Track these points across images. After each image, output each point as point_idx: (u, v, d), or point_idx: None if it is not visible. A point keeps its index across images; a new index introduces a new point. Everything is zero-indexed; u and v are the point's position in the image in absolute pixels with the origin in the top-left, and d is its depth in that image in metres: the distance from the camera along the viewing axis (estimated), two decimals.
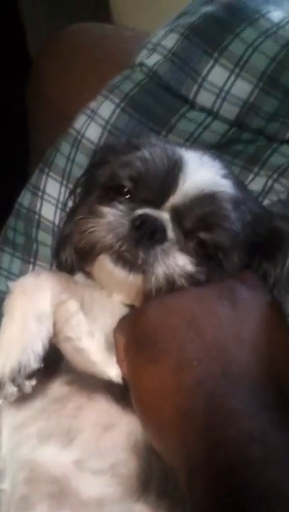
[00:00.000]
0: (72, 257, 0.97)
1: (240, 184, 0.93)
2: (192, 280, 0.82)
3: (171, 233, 0.82)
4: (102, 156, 1.01)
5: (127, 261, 0.80)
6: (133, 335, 0.76)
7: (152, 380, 0.70)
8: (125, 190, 0.87)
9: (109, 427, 0.81)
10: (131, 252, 0.80)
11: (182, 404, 0.65)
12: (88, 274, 0.90)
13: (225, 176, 0.87)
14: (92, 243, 0.82)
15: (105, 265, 0.82)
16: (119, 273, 0.81)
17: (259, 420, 0.61)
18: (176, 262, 0.81)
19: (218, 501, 0.57)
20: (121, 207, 0.83)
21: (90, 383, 0.83)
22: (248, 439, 0.59)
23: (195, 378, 0.66)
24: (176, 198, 0.84)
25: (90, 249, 0.83)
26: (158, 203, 0.84)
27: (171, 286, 0.80)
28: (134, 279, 0.81)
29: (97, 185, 0.94)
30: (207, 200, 0.83)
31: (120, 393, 0.81)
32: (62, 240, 1.01)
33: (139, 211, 0.82)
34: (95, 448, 0.80)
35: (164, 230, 0.82)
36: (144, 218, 0.81)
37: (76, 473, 0.79)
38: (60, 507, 0.77)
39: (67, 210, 1.11)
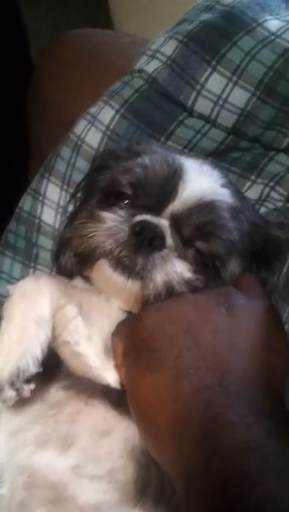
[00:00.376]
0: (72, 261, 0.97)
1: (238, 193, 0.93)
2: (190, 287, 0.82)
3: (169, 240, 0.83)
4: (102, 160, 1.02)
5: (125, 267, 0.81)
6: (131, 342, 0.77)
7: (150, 388, 0.70)
8: (125, 196, 0.88)
9: (107, 432, 0.82)
10: (130, 258, 0.80)
11: (179, 413, 0.65)
12: (87, 279, 0.90)
13: (224, 185, 0.88)
14: (91, 248, 0.83)
15: (104, 270, 0.83)
16: (118, 279, 0.82)
17: (255, 430, 0.61)
18: (175, 268, 0.81)
19: (215, 511, 0.58)
20: (121, 212, 0.84)
21: (88, 388, 0.84)
22: (245, 449, 0.59)
23: (192, 388, 0.66)
24: (175, 206, 0.84)
25: (89, 253, 0.84)
26: (157, 210, 0.85)
27: (169, 293, 0.81)
28: (132, 285, 0.81)
29: (97, 190, 0.95)
30: (206, 208, 0.84)
31: (118, 398, 0.81)
32: (62, 244, 1.01)
33: (139, 217, 0.83)
34: (92, 454, 0.81)
35: (163, 237, 0.82)
36: (143, 225, 0.81)
37: (73, 478, 0.79)
38: None
39: (68, 214, 1.12)
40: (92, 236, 0.83)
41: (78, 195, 1.07)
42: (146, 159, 0.88)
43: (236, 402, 0.64)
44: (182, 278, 0.82)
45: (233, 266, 0.88)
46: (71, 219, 1.04)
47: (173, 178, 0.85)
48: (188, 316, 0.75)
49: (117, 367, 0.80)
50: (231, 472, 0.57)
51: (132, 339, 0.77)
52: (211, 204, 0.85)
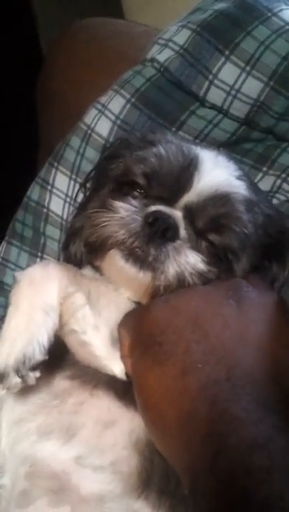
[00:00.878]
0: (82, 251, 0.97)
1: (253, 185, 0.92)
2: (203, 279, 0.81)
3: (183, 232, 0.82)
4: (114, 149, 1.01)
5: (138, 257, 0.80)
6: (138, 335, 0.75)
7: (157, 382, 0.69)
8: (138, 186, 0.87)
9: (111, 423, 0.81)
10: (142, 248, 0.79)
11: (186, 408, 0.64)
12: (97, 269, 0.90)
13: (239, 177, 0.87)
14: (103, 238, 0.82)
15: (116, 261, 0.82)
16: (130, 269, 0.81)
17: (263, 426, 0.59)
18: (188, 260, 0.80)
19: (221, 509, 0.56)
20: (134, 202, 0.83)
21: (92, 379, 0.83)
22: (252, 446, 0.58)
23: (199, 382, 0.65)
24: (190, 197, 0.83)
25: (101, 243, 0.83)
26: (171, 201, 0.84)
27: (180, 285, 0.80)
28: (144, 277, 0.80)
29: (109, 179, 0.94)
30: (221, 200, 0.83)
31: (123, 390, 0.81)
32: (72, 233, 1.01)
33: (153, 208, 0.82)
34: (96, 444, 0.80)
35: (176, 228, 0.81)
36: (157, 215, 0.80)
37: (76, 469, 0.79)
38: (59, 503, 0.77)
39: (77, 204, 1.10)
40: (104, 225, 0.82)
41: (88, 184, 1.06)
42: (161, 149, 0.87)
43: (244, 397, 0.63)
44: (195, 269, 0.81)
45: (246, 259, 0.86)
46: (81, 208, 1.03)
47: (188, 169, 0.84)
48: (196, 309, 0.74)
49: (124, 358, 0.79)
50: (238, 469, 0.56)
51: (139, 332, 0.76)
52: (227, 196, 0.84)
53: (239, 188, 0.85)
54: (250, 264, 0.87)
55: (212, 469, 0.58)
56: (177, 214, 0.83)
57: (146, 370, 0.71)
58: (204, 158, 0.86)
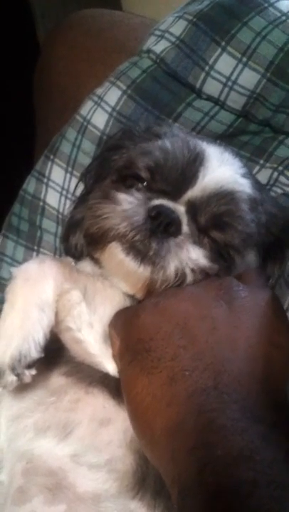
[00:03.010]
0: (82, 243, 0.96)
1: (258, 184, 0.92)
2: (203, 275, 0.81)
3: (185, 227, 0.82)
4: (117, 140, 1.00)
5: (138, 251, 0.80)
6: (127, 341, 0.75)
7: (145, 391, 0.68)
8: (142, 178, 0.86)
9: (106, 421, 0.81)
10: (144, 242, 0.79)
11: (173, 418, 0.64)
12: (96, 261, 0.89)
13: (244, 175, 0.87)
14: (104, 229, 0.82)
15: (116, 254, 0.82)
16: (130, 263, 0.80)
17: (249, 436, 0.59)
18: (190, 255, 0.80)
19: None
20: (138, 195, 0.83)
21: (87, 376, 0.83)
22: (237, 457, 0.57)
23: (187, 391, 0.65)
24: (194, 192, 0.83)
25: (102, 235, 0.83)
26: (175, 195, 0.83)
27: (180, 281, 0.79)
28: (143, 271, 0.80)
29: (111, 170, 0.93)
30: (225, 198, 0.83)
31: (116, 388, 0.80)
32: (73, 224, 1.00)
33: (156, 201, 0.81)
34: (92, 442, 0.80)
35: (179, 223, 0.81)
36: (160, 209, 0.80)
37: (73, 467, 0.78)
38: (56, 500, 0.77)
39: (77, 195, 1.10)
40: (106, 217, 0.82)
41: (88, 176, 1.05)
42: (166, 142, 0.86)
43: (230, 405, 0.62)
44: (197, 265, 0.80)
45: (249, 257, 0.87)
46: (81, 199, 1.02)
47: (194, 164, 0.84)
48: (185, 312, 0.73)
49: (115, 357, 0.79)
50: (225, 483, 0.56)
51: (128, 337, 0.75)
52: (231, 194, 0.83)
53: (244, 186, 0.85)
54: (254, 262, 0.88)
55: (200, 482, 0.57)
56: (180, 209, 0.83)
57: (134, 378, 0.71)
58: (210, 154, 0.86)
